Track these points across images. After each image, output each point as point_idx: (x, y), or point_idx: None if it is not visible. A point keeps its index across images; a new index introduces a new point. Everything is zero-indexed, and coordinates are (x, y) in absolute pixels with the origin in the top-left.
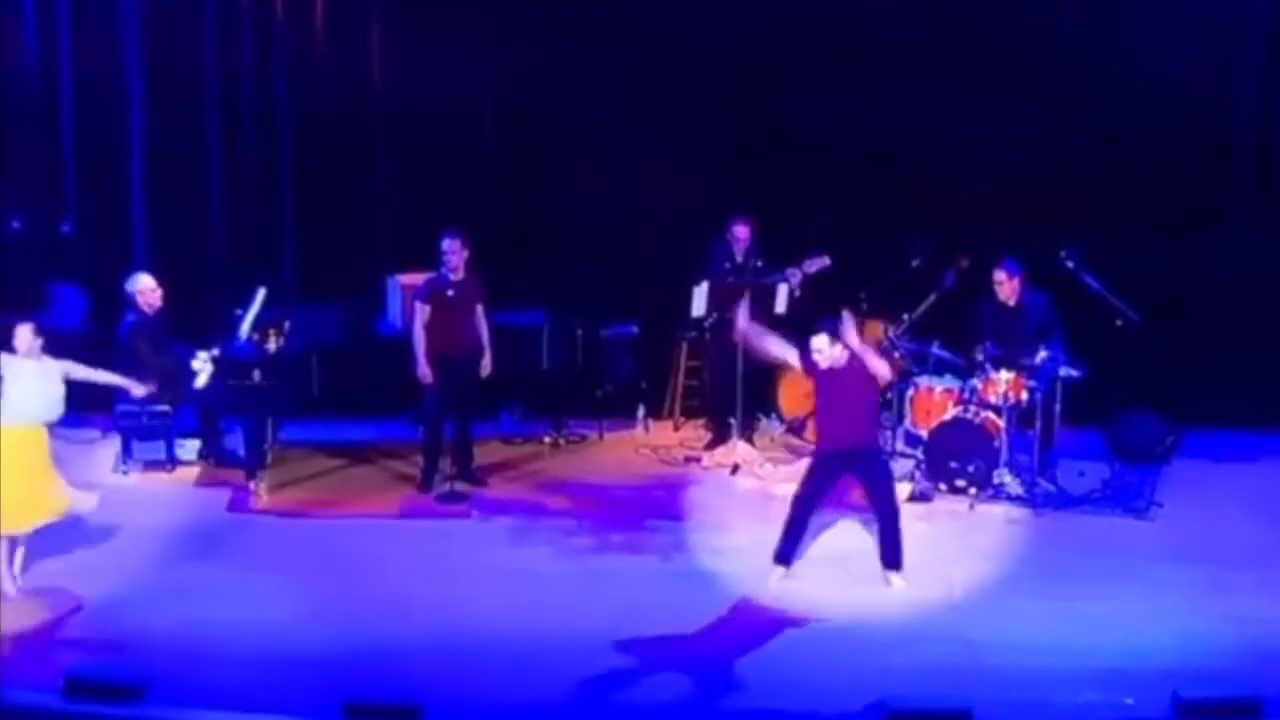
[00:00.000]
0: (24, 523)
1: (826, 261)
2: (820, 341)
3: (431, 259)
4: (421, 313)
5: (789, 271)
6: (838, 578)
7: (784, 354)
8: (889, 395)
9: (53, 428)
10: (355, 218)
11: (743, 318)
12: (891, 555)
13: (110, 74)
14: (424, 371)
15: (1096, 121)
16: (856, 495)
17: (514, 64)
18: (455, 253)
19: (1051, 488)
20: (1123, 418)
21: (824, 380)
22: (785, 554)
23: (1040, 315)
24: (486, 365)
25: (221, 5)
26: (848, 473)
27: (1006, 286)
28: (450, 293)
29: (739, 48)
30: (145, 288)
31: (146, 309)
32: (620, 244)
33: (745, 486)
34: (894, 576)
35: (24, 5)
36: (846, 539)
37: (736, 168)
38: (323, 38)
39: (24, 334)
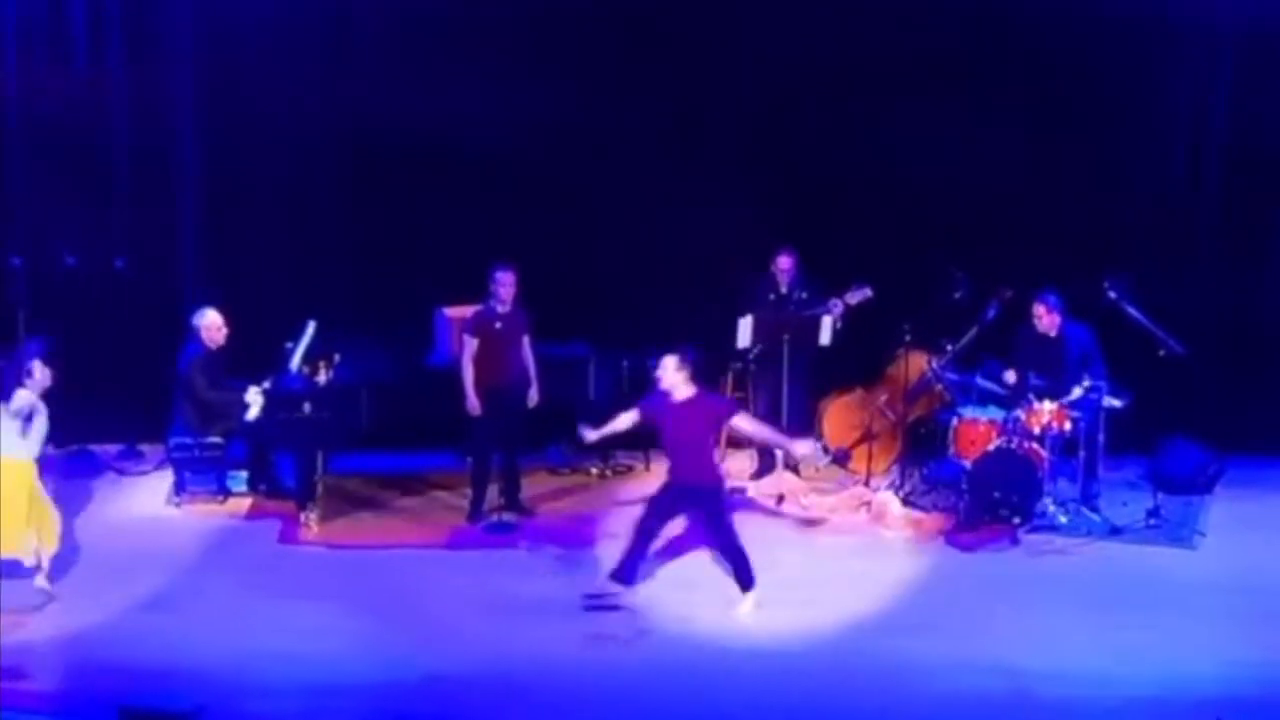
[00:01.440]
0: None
1: (869, 292)
2: (669, 361)
3: (480, 292)
4: (470, 345)
5: (831, 302)
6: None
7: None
8: (930, 427)
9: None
10: (404, 251)
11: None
12: (745, 578)
13: (162, 109)
14: (472, 403)
15: (1140, 154)
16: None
17: (560, 98)
18: (507, 285)
19: (1095, 517)
20: (1166, 447)
21: (670, 419)
22: (627, 574)
23: (1081, 346)
24: (533, 396)
25: (271, 40)
26: (690, 508)
27: (1045, 319)
28: (498, 325)
29: (782, 81)
30: (211, 323)
31: (209, 344)
32: (665, 276)
33: (790, 516)
34: (746, 599)
35: (76, 41)
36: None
37: (780, 200)
38: (372, 71)
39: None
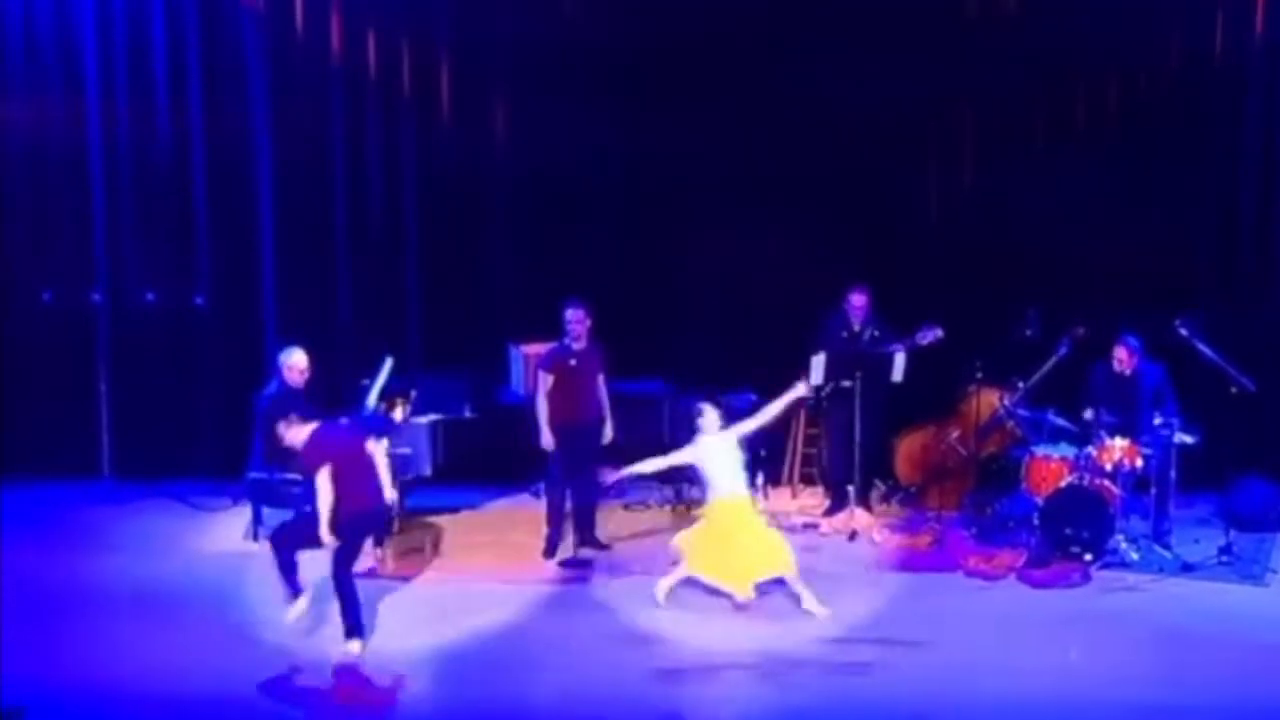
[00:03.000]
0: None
1: (939, 334)
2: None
3: (554, 329)
4: (545, 382)
5: (902, 343)
6: (951, 640)
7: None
8: (1002, 463)
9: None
10: (479, 288)
11: None
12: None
13: (240, 148)
14: (547, 440)
15: (1210, 191)
16: (973, 562)
17: (636, 135)
18: (579, 322)
19: (1167, 554)
20: (1238, 485)
21: (341, 454)
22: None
23: (1154, 384)
24: (608, 433)
25: (348, 78)
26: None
27: (1126, 362)
28: (573, 362)
29: (856, 120)
30: (296, 363)
31: (291, 382)
32: (739, 313)
33: (863, 552)
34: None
35: (156, 81)
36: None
37: (853, 238)
38: (447, 109)
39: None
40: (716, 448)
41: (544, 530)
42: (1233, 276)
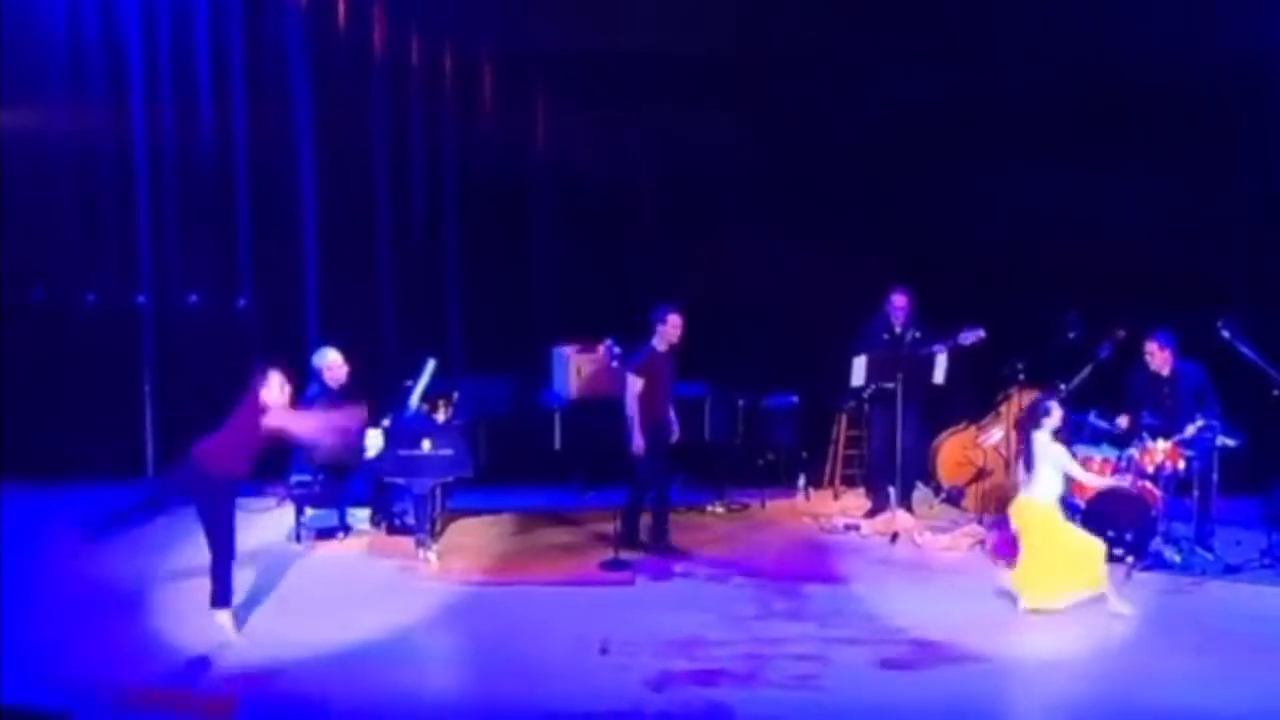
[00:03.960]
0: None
1: (981, 334)
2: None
3: (596, 330)
4: (635, 384)
5: (944, 344)
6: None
7: None
8: None
9: None
10: (521, 289)
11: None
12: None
13: (282, 152)
14: (639, 443)
15: (1253, 193)
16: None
17: (675, 139)
18: (678, 327)
19: (1209, 556)
20: None
21: None
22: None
23: (1194, 385)
24: (675, 434)
25: (391, 83)
26: None
27: (1158, 357)
28: (662, 365)
29: (898, 124)
30: (333, 364)
31: (331, 384)
32: (781, 315)
33: (904, 554)
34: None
35: (200, 87)
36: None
37: (894, 240)
38: (489, 110)
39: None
40: (1053, 450)
41: (617, 527)
42: (1276, 278)
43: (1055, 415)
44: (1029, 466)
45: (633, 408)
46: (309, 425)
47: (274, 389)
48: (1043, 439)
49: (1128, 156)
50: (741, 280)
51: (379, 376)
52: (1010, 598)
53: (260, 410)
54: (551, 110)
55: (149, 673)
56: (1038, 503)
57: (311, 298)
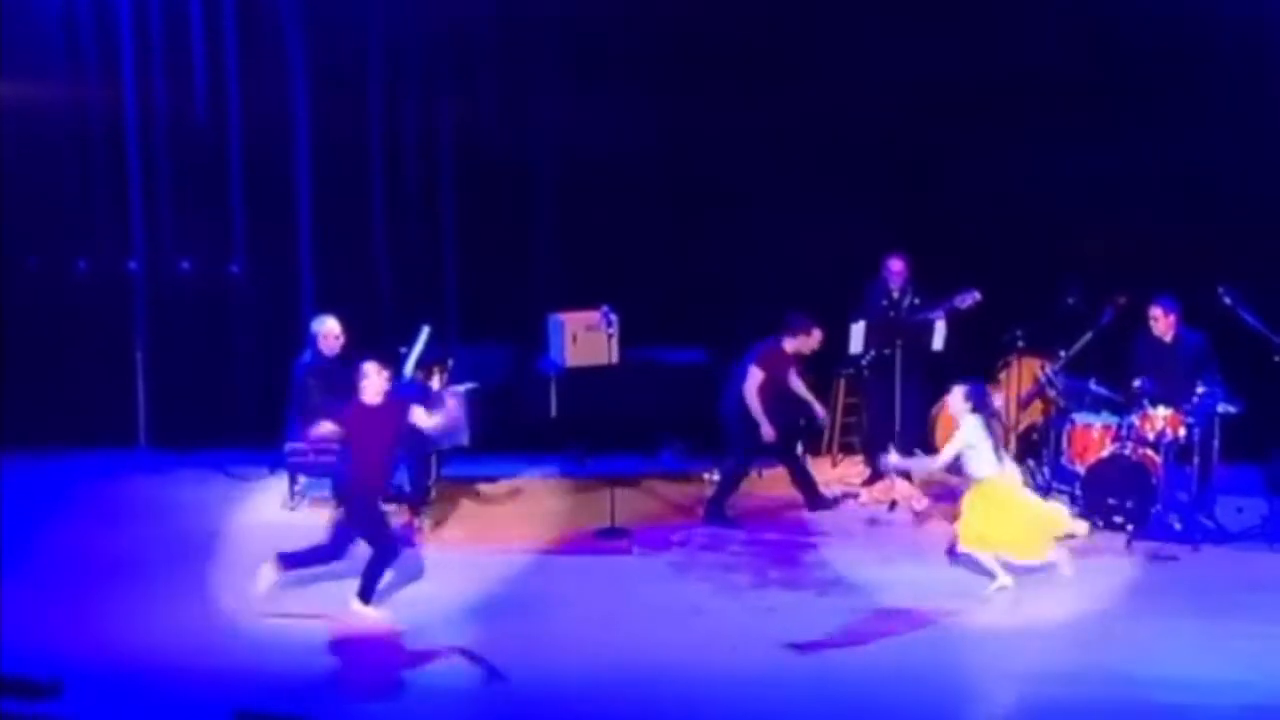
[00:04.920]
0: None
1: (977, 296)
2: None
3: (592, 298)
4: (757, 376)
5: (942, 307)
6: (995, 609)
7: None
8: (1044, 432)
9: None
10: (517, 256)
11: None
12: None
13: (277, 116)
14: (769, 432)
15: (1256, 159)
16: None
17: (677, 105)
18: (819, 343)
19: (1210, 524)
20: None
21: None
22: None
23: (1196, 351)
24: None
25: (387, 49)
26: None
27: (1162, 323)
28: (785, 364)
29: (898, 89)
30: (329, 331)
31: (326, 350)
32: (780, 282)
33: (902, 522)
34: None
35: (194, 52)
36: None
37: (893, 208)
38: (487, 76)
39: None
40: (979, 427)
41: (710, 494)
42: (1278, 244)
43: (958, 396)
44: (979, 453)
45: (752, 398)
46: (438, 421)
47: (375, 381)
48: (972, 423)
49: (1130, 121)
50: (741, 247)
51: (374, 344)
52: (1005, 566)
53: (369, 413)
54: (551, 77)
55: (141, 643)
56: (996, 478)
57: (306, 264)
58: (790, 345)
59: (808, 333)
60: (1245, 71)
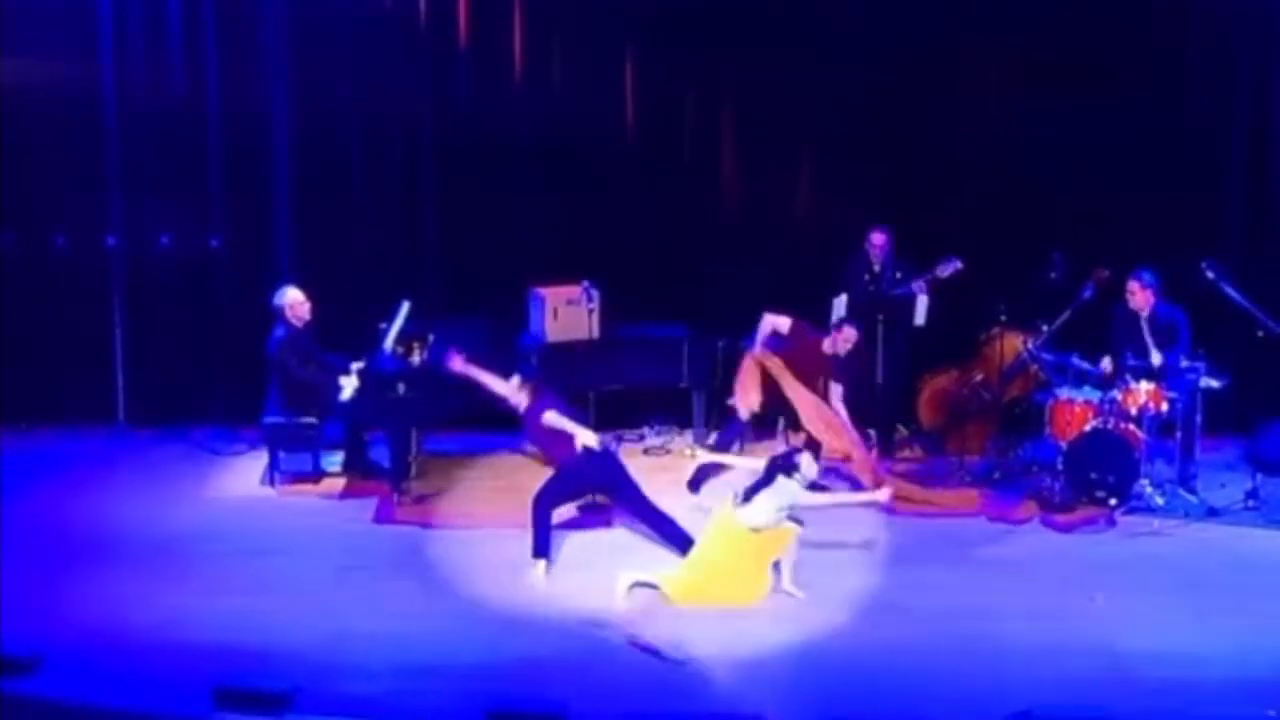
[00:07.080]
0: None
1: (959, 265)
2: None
3: (574, 272)
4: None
5: (924, 278)
6: (977, 586)
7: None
8: (1026, 407)
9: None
10: (498, 231)
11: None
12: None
13: (256, 87)
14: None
15: (1238, 133)
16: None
17: (654, 77)
18: (850, 342)
19: (1192, 499)
20: (1264, 429)
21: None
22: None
23: (1166, 326)
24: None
25: (364, 22)
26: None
27: (1139, 296)
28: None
29: (879, 60)
30: (294, 301)
31: (295, 322)
32: (760, 256)
33: (881, 497)
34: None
35: (171, 23)
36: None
37: (875, 181)
38: (466, 46)
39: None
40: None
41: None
42: (1262, 218)
43: (808, 470)
44: (749, 496)
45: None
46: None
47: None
48: (790, 486)
49: (1113, 91)
50: (721, 220)
51: (354, 318)
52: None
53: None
54: (531, 45)
55: (119, 620)
56: (740, 523)
57: (285, 238)
58: (827, 346)
59: (838, 328)
60: (1234, 37)
